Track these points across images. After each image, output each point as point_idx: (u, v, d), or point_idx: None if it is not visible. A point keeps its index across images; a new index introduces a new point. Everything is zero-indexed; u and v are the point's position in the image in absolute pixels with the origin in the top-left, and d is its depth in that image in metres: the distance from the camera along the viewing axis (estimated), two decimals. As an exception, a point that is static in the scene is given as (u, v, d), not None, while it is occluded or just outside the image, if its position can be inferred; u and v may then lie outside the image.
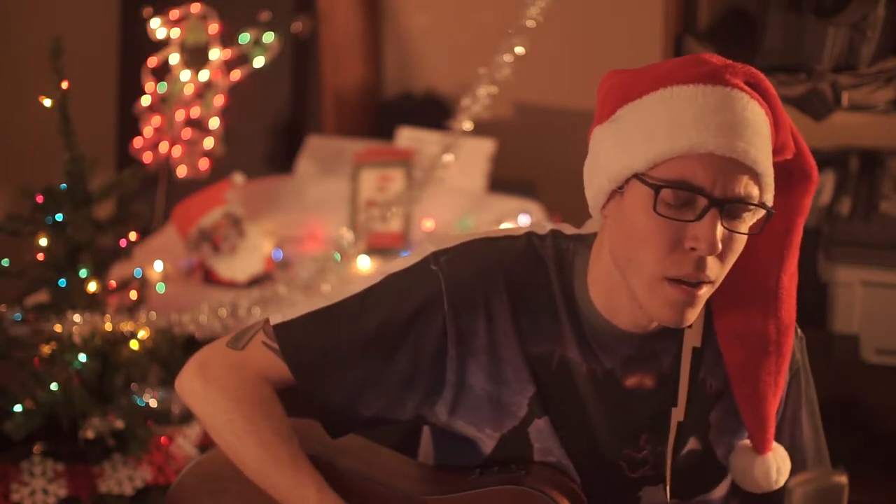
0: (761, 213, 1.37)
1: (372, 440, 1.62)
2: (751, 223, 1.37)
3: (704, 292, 1.37)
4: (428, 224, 3.48)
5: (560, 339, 1.48)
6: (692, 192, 1.32)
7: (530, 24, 2.75)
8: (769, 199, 1.37)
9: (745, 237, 1.37)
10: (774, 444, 1.51)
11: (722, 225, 1.33)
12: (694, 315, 1.38)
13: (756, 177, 1.34)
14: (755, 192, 1.35)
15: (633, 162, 1.35)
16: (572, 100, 3.88)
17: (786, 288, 1.47)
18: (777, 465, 1.50)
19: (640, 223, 1.35)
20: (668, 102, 1.35)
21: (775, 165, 1.39)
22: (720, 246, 1.33)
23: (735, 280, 1.44)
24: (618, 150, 1.37)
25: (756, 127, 1.34)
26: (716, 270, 1.36)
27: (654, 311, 1.38)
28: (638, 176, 1.35)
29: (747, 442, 1.51)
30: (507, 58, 2.76)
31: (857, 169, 3.14)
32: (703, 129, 1.32)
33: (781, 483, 1.50)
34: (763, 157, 1.34)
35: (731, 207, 1.33)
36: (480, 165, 3.71)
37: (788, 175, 1.43)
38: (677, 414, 1.49)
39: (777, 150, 1.39)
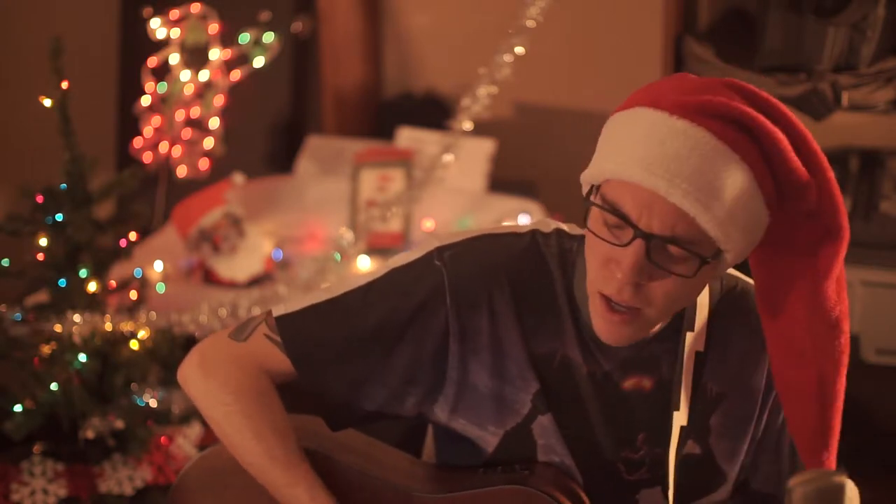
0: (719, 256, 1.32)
1: (376, 437, 1.62)
2: (689, 265, 1.31)
3: (639, 320, 1.35)
4: (428, 224, 3.48)
5: (562, 338, 1.48)
6: (617, 217, 1.31)
7: (530, 24, 2.76)
8: (732, 250, 1.31)
9: (687, 279, 1.32)
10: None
11: (648, 258, 1.30)
12: (627, 337, 1.37)
13: (693, 221, 1.28)
14: (693, 234, 1.29)
15: (592, 173, 1.36)
16: (572, 100, 3.88)
17: (820, 335, 1.38)
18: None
19: (588, 234, 1.37)
20: (628, 122, 1.33)
21: (799, 216, 1.34)
22: (637, 277, 1.31)
23: (779, 340, 1.39)
24: (594, 157, 1.38)
25: (705, 170, 1.26)
26: (640, 299, 1.33)
27: (594, 323, 1.39)
28: (593, 188, 1.36)
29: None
30: (507, 58, 2.77)
31: (857, 169, 3.15)
32: (637, 158, 1.28)
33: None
34: (701, 205, 1.26)
35: (659, 243, 1.30)
36: (480, 165, 3.71)
37: (816, 229, 1.36)
38: (680, 418, 1.48)
39: (787, 197, 1.33)
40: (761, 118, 1.29)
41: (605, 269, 1.34)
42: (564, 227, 1.53)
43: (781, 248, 1.37)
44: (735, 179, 1.28)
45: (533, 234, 1.51)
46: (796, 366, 1.38)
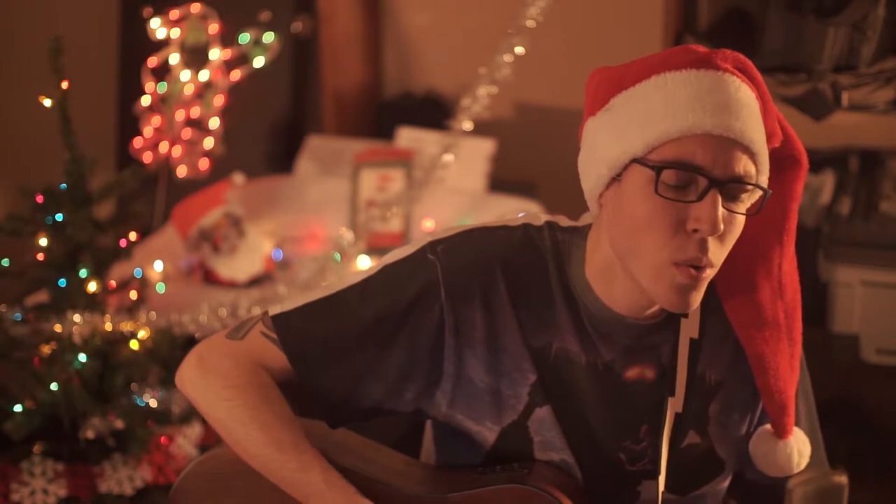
0: (758, 194, 1.39)
1: (373, 439, 1.62)
2: (748, 204, 1.39)
3: (707, 275, 1.38)
4: (428, 224, 3.48)
5: (557, 330, 1.49)
6: (693, 172, 1.34)
7: (530, 24, 2.76)
8: (764, 181, 1.39)
9: (743, 219, 1.39)
10: (795, 429, 1.52)
11: (722, 205, 1.34)
12: (698, 299, 1.39)
13: (752, 156, 1.36)
14: (753, 171, 1.37)
15: (631, 146, 1.37)
16: (572, 100, 3.86)
17: (788, 273, 1.50)
18: (798, 448, 1.52)
19: (640, 208, 1.36)
20: (662, 88, 1.37)
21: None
22: (722, 226, 1.35)
23: (740, 270, 1.46)
24: (614, 137, 1.39)
25: (750, 108, 1.37)
26: (717, 253, 1.37)
27: (659, 296, 1.39)
28: (637, 160, 1.36)
29: (769, 427, 1.53)
30: (507, 58, 2.77)
31: (857, 169, 3.15)
32: (699, 110, 1.34)
33: (803, 466, 1.52)
34: (758, 137, 1.36)
35: (729, 187, 1.35)
36: (480, 165, 3.71)
37: (778, 162, 1.45)
38: (675, 404, 1.49)
39: (766, 136, 1.41)
40: (749, 62, 1.41)
41: (678, 235, 1.36)
42: (555, 219, 1.53)
43: None
44: (759, 113, 1.38)
45: (525, 227, 1.52)
46: (771, 301, 1.48)
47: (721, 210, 1.34)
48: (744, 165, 1.35)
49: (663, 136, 1.34)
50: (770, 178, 1.42)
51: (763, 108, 1.40)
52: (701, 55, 1.38)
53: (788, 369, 1.49)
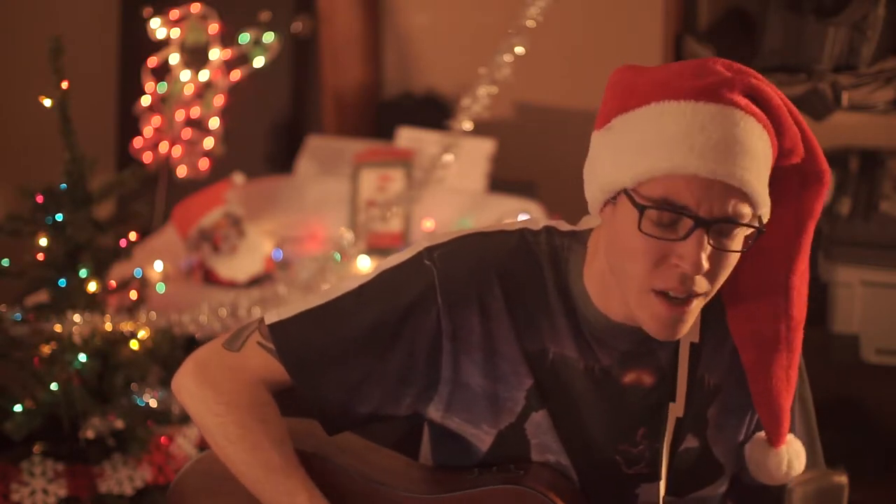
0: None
1: (372, 440, 1.62)
2: (743, 237, 1.36)
3: (695, 306, 1.37)
4: (428, 224, 3.48)
5: (554, 335, 1.48)
6: (676, 213, 1.32)
7: (530, 24, 2.76)
8: (765, 213, 1.36)
9: (738, 253, 1.36)
10: (789, 438, 1.52)
11: (709, 244, 1.32)
12: (685, 328, 1.39)
13: (745, 195, 1.33)
14: (745, 209, 1.33)
15: (622, 177, 1.35)
16: (572, 100, 3.88)
17: (796, 287, 1.48)
18: (790, 457, 1.51)
19: (627, 238, 1.36)
20: (656, 119, 1.34)
21: (786, 168, 1.39)
22: (706, 265, 1.33)
23: (747, 280, 1.45)
24: (610, 161, 1.38)
25: (746, 145, 1.32)
26: (704, 285, 1.35)
27: (643, 322, 1.39)
28: (626, 192, 1.35)
29: (762, 434, 1.52)
30: (507, 58, 2.77)
31: (857, 169, 3.15)
32: (687, 150, 1.30)
33: (793, 476, 1.51)
34: (752, 178, 1.32)
35: (719, 226, 1.33)
36: (480, 165, 3.71)
37: (801, 177, 1.43)
38: (675, 410, 1.49)
39: (784, 154, 1.38)
40: (763, 85, 1.36)
41: (660, 267, 1.35)
42: (554, 224, 1.53)
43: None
44: (762, 146, 1.34)
45: (522, 232, 1.51)
46: (775, 313, 1.46)
47: (706, 249, 1.32)
48: (734, 206, 1.32)
49: (649, 173, 1.32)
50: (791, 194, 1.41)
51: (778, 130, 1.36)
52: (705, 84, 1.34)
53: (784, 379, 1.48)
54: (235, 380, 1.49)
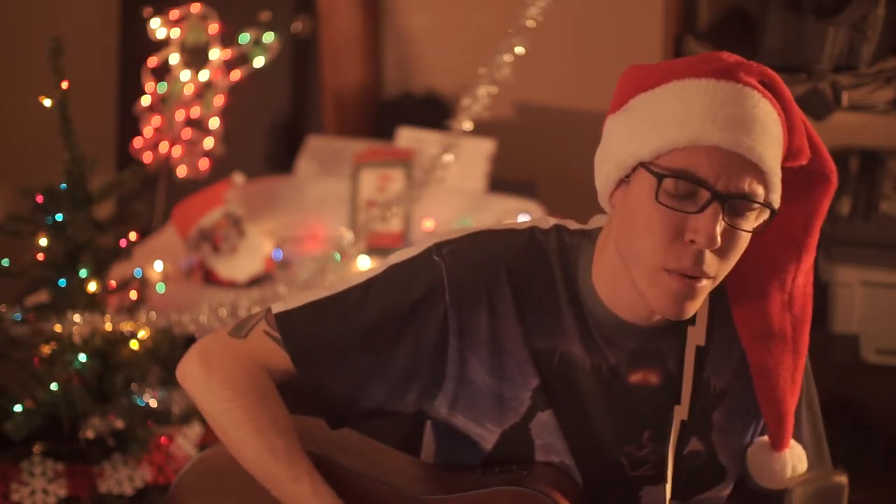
0: (767, 212, 1.38)
1: (374, 439, 1.62)
2: (756, 222, 1.38)
3: (703, 286, 1.37)
4: (428, 224, 3.48)
5: (562, 334, 1.48)
6: (694, 184, 1.33)
7: (530, 24, 2.75)
8: (776, 200, 1.37)
9: (749, 236, 1.37)
10: (792, 442, 1.52)
11: (724, 220, 1.33)
12: (694, 307, 1.39)
13: (762, 175, 1.34)
14: (760, 190, 1.35)
15: (639, 150, 1.36)
16: (572, 100, 3.88)
17: (801, 287, 1.48)
18: (793, 462, 1.51)
19: (642, 212, 1.36)
20: (678, 94, 1.36)
21: (794, 169, 1.40)
22: (719, 241, 1.33)
23: (754, 280, 1.45)
24: (627, 138, 1.38)
25: (765, 125, 1.34)
26: (714, 266, 1.36)
27: (653, 301, 1.38)
28: (643, 164, 1.36)
29: (766, 438, 1.52)
30: (507, 58, 2.76)
31: (857, 169, 3.15)
32: (710, 122, 1.33)
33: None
34: (770, 156, 1.34)
35: (733, 203, 1.34)
36: (480, 165, 3.71)
37: (808, 178, 1.44)
38: (680, 412, 1.49)
39: (792, 154, 1.39)
40: (776, 77, 1.38)
41: (675, 244, 1.35)
42: (564, 222, 1.53)
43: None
44: (777, 130, 1.36)
45: (532, 230, 1.51)
46: (780, 314, 1.47)
47: (721, 225, 1.33)
48: (750, 183, 1.33)
49: (672, 144, 1.34)
50: (797, 194, 1.42)
51: (789, 126, 1.38)
52: (724, 65, 1.36)
53: (790, 382, 1.49)
54: (241, 366, 1.49)
